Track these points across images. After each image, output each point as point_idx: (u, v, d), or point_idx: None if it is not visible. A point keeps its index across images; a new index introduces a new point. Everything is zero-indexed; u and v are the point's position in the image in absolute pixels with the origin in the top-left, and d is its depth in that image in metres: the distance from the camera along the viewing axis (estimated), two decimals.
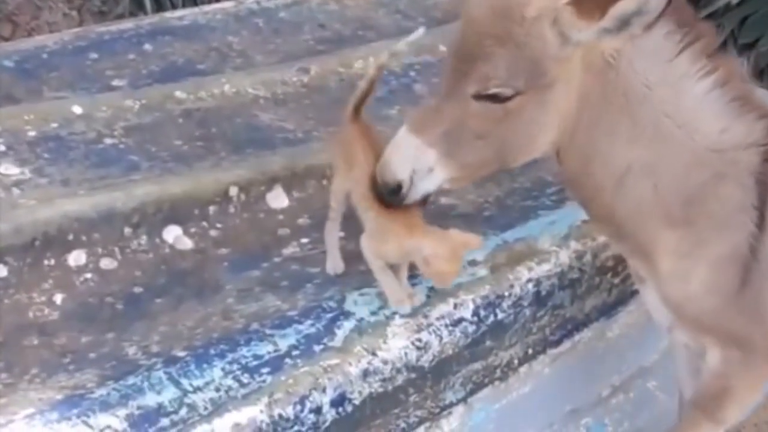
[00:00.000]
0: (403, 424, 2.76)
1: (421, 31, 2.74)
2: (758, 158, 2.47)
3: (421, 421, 2.82)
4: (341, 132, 2.78)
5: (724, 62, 2.49)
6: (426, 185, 2.49)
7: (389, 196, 2.52)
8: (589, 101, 2.43)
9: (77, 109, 3.33)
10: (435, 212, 2.90)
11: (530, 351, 3.04)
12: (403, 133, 2.47)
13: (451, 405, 2.88)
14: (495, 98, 2.36)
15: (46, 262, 2.76)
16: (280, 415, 2.45)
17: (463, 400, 2.91)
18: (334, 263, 2.83)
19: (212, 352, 2.53)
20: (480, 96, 2.36)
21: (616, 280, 3.15)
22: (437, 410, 2.85)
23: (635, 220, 2.54)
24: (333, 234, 2.83)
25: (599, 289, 3.14)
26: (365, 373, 2.60)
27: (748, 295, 2.52)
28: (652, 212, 2.51)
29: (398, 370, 2.66)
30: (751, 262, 2.48)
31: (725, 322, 2.59)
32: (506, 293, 2.88)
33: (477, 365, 2.88)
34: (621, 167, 2.48)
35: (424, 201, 2.57)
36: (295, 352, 2.57)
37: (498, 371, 2.96)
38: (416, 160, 2.44)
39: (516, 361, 3.00)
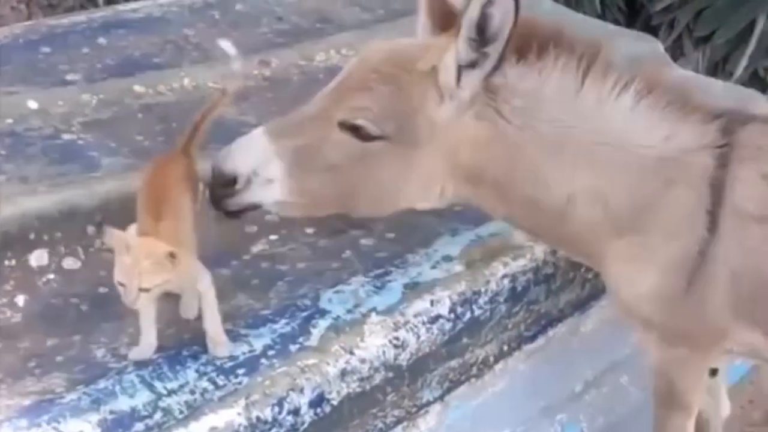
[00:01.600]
0: (380, 424, 2.70)
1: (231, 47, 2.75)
2: (713, 161, 2.44)
3: (398, 421, 2.76)
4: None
5: (644, 69, 2.48)
6: (260, 195, 2.40)
7: (219, 188, 2.40)
8: (505, 158, 2.43)
9: (32, 104, 3.24)
10: None
11: (506, 347, 2.99)
12: (259, 131, 2.40)
13: (428, 404, 2.83)
14: (359, 133, 2.34)
15: (6, 262, 2.67)
16: (258, 418, 2.38)
17: (440, 398, 2.86)
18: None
19: (185, 353, 2.45)
20: (345, 124, 2.34)
21: (590, 275, 3.10)
22: (414, 409, 2.79)
23: (587, 237, 2.54)
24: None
25: (573, 283, 3.10)
26: (343, 373, 2.53)
27: (694, 296, 2.51)
28: (603, 228, 2.51)
29: (376, 369, 2.60)
30: (699, 264, 2.47)
31: (671, 321, 2.58)
32: (482, 289, 2.83)
33: (453, 363, 2.83)
34: (561, 201, 2.47)
35: (242, 212, 2.45)
36: (270, 352, 2.50)
37: (474, 368, 2.91)
38: (260, 163, 2.36)
39: (492, 358, 2.95)
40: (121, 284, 2.26)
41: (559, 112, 2.41)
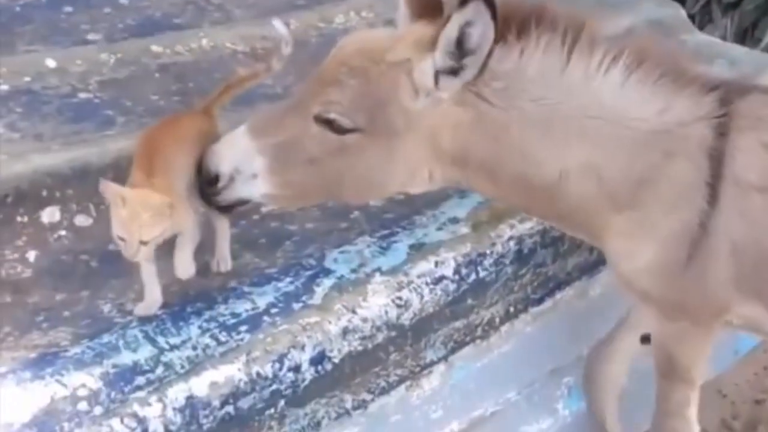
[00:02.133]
0: (383, 383, 2.73)
1: (283, 27, 2.71)
2: (711, 132, 2.42)
3: (401, 380, 2.79)
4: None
5: (632, 41, 2.47)
6: (245, 190, 2.44)
7: (205, 186, 2.46)
8: (490, 139, 2.42)
9: (51, 63, 3.27)
10: None
11: (512, 309, 3.01)
12: (242, 129, 2.44)
13: (432, 364, 2.85)
14: (333, 126, 2.36)
15: (18, 218, 2.71)
16: (258, 374, 2.42)
17: (444, 358, 2.88)
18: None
19: (189, 309, 2.49)
20: (320, 119, 2.37)
21: None
22: (418, 369, 2.82)
23: (582, 213, 2.53)
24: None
25: (581, 247, 3.10)
26: (345, 332, 2.56)
27: (695, 270, 2.50)
28: (598, 203, 2.50)
29: (378, 329, 2.63)
30: (701, 237, 2.46)
31: (671, 295, 2.58)
32: (488, 251, 2.85)
33: (458, 324, 2.85)
34: (553, 177, 2.45)
35: (233, 206, 2.51)
36: (273, 310, 2.53)
37: (479, 330, 2.93)
38: (242, 161, 2.41)
39: (497, 320, 2.97)
40: (121, 238, 2.30)
41: (545, 90, 2.39)
